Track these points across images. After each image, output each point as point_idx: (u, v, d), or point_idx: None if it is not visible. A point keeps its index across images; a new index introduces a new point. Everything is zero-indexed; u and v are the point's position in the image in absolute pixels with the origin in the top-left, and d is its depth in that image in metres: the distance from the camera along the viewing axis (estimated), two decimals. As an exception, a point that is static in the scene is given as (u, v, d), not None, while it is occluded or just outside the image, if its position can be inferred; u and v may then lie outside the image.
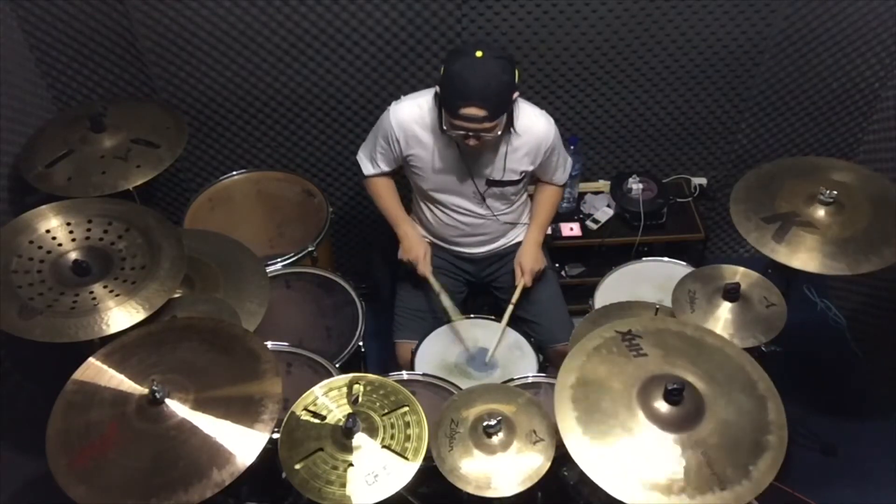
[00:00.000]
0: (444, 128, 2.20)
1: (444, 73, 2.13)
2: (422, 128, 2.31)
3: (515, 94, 2.18)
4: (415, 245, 2.49)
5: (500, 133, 2.19)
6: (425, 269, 2.46)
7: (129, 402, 1.73)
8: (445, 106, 2.14)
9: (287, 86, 2.78)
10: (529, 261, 2.51)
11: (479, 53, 2.07)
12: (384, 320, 2.74)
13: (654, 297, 2.40)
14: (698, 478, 1.57)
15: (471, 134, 2.15)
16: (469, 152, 2.31)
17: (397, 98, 2.34)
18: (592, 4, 2.61)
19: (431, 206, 2.50)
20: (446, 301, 2.46)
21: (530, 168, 2.39)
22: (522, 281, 2.49)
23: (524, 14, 2.62)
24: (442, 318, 2.53)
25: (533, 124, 2.31)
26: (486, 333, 2.48)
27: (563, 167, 2.53)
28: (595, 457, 1.60)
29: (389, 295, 2.73)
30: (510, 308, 2.47)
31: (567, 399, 1.69)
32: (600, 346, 1.80)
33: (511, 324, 2.49)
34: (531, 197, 2.63)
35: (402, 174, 2.53)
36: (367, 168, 2.50)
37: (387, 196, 2.54)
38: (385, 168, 2.47)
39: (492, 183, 2.39)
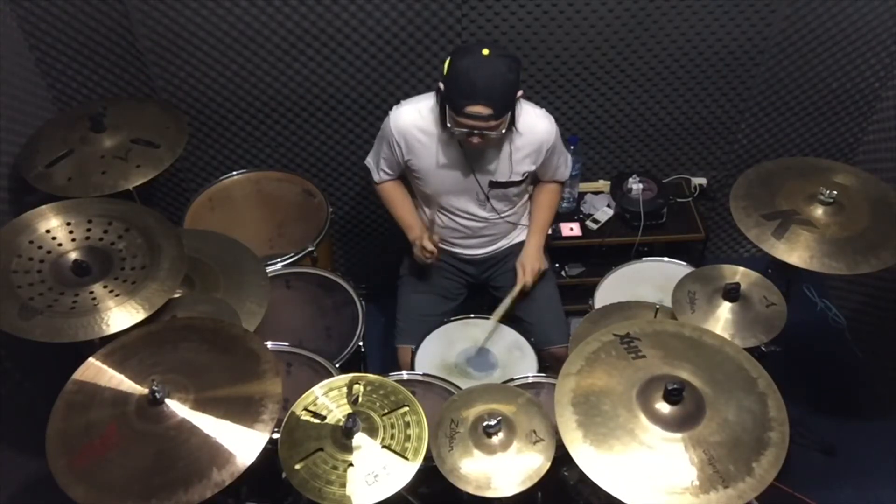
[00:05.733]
0: (448, 125, 2.19)
1: (448, 70, 2.11)
2: (423, 132, 2.30)
3: (519, 93, 2.18)
4: (413, 231, 2.48)
5: (503, 131, 2.18)
6: (431, 239, 2.42)
7: (129, 402, 1.73)
8: (450, 104, 2.13)
9: (287, 86, 2.78)
10: (531, 261, 2.51)
11: (485, 52, 2.07)
12: (384, 320, 2.74)
13: (654, 297, 2.40)
14: (701, 476, 1.57)
15: (475, 132, 2.15)
16: (472, 154, 2.30)
17: (397, 98, 2.33)
18: (592, 4, 2.61)
19: (434, 210, 2.50)
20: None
21: (532, 168, 2.39)
22: (523, 281, 2.49)
23: (524, 14, 2.62)
24: (443, 320, 2.52)
25: (534, 124, 2.31)
26: (485, 333, 2.48)
27: (565, 164, 2.54)
28: (598, 460, 1.60)
29: (391, 298, 2.72)
30: (505, 302, 2.45)
31: (567, 403, 1.69)
32: (599, 349, 1.80)
33: (508, 324, 2.49)
34: (530, 197, 2.62)
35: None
36: (375, 174, 2.50)
37: (399, 202, 2.53)
38: (391, 173, 2.47)
39: (495, 185, 2.39)
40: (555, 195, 2.59)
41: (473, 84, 2.06)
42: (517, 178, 2.38)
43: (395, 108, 2.34)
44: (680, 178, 3.18)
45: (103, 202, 2.14)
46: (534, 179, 2.54)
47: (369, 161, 2.51)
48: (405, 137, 2.31)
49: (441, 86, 2.15)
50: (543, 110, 2.35)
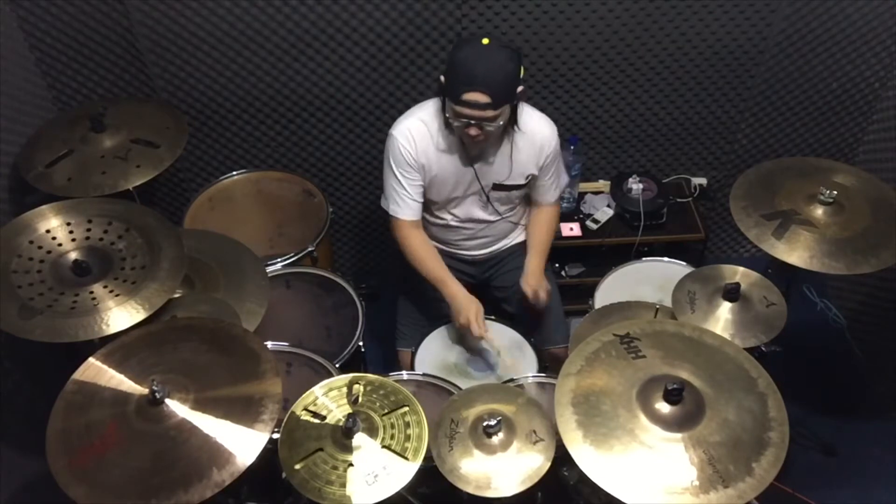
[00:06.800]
0: (447, 115, 2.18)
1: (449, 60, 2.11)
2: (427, 140, 2.27)
3: (520, 88, 2.15)
4: (465, 306, 2.31)
5: (501, 124, 2.16)
6: (480, 331, 2.29)
7: (129, 402, 1.73)
8: (448, 92, 2.11)
9: (287, 86, 2.78)
10: (537, 281, 2.41)
11: (485, 41, 2.06)
12: (384, 320, 2.73)
13: (654, 297, 2.40)
14: (701, 476, 1.57)
15: (472, 122, 2.12)
16: (474, 156, 2.29)
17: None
18: (592, 4, 2.61)
19: (435, 213, 2.49)
20: (507, 358, 2.37)
21: (535, 171, 2.38)
22: (539, 300, 2.39)
23: (524, 14, 2.62)
24: (444, 322, 2.51)
25: (536, 125, 2.30)
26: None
27: (557, 183, 2.48)
28: (598, 460, 1.60)
29: (391, 298, 2.72)
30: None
31: (567, 403, 1.69)
32: (599, 349, 1.80)
33: (508, 324, 2.49)
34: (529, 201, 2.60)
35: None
36: (406, 212, 2.34)
37: (425, 256, 2.39)
38: (417, 198, 2.33)
39: (498, 187, 2.38)
40: (553, 218, 2.52)
41: (472, 71, 2.05)
42: (521, 180, 2.37)
43: (394, 130, 2.26)
44: (680, 178, 3.18)
45: (103, 202, 2.14)
46: (529, 200, 2.51)
47: (388, 203, 2.35)
48: (416, 146, 2.25)
49: (442, 78, 2.14)
50: (547, 117, 2.33)
